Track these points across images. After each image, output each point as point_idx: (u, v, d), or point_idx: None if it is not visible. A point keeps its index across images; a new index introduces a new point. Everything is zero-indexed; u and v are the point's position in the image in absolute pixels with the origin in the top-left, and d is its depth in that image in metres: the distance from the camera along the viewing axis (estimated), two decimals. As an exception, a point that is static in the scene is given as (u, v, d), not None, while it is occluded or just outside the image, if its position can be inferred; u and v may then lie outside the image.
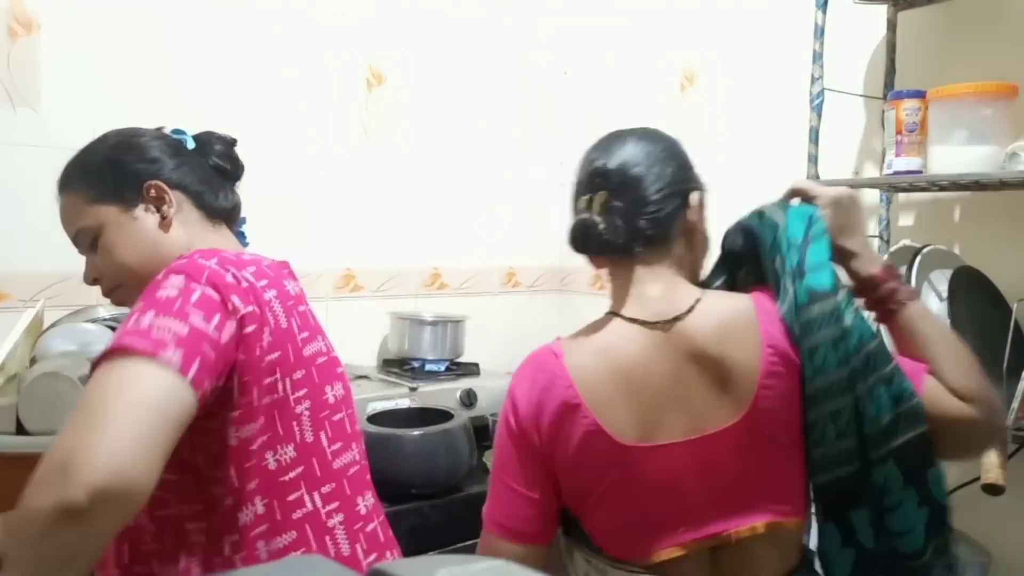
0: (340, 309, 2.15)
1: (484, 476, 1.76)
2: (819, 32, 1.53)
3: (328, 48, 2.12)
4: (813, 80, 1.53)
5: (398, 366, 2.11)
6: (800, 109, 1.61)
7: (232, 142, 1.15)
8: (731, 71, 2.07)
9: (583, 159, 1.06)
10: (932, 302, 1.42)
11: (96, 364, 0.79)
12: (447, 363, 2.13)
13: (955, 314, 1.36)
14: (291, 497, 0.92)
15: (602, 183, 1.01)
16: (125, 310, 1.65)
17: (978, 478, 1.24)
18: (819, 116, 1.53)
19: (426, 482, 1.61)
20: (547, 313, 2.56)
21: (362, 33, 2.18)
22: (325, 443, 0.97)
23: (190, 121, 1.89)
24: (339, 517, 0.97)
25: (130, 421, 0.73)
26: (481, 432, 1.89)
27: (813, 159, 1.55)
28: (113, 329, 1.55)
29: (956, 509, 1.55)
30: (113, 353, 0.78)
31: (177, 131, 1.12)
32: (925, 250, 1.43)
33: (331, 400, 1.00)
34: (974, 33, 1.54)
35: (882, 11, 1.63)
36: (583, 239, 1.03)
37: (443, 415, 1.74)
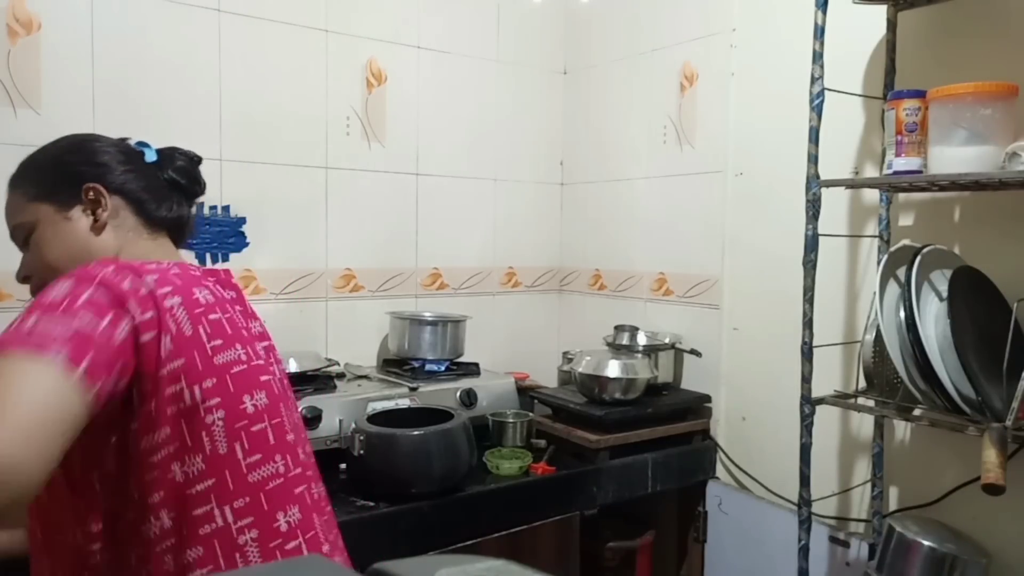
0: (340, 309, 2.16)
1: (484, 476, 1.77)
2: (819, 32, 1.53)
3: (328, 48, 2.12)
4: (813, 80, 1.53)
5: (398, 366, 2.11)
6: (800, 109, 1.61)
7: (196, 160, 1.16)
8: (731, 71, 2.07)
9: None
10: (932, 302, 1.43)
11: None
12: (447, 363, 2.13)
13: (955, 314, 1.36)
14: (198, 511, 0.89)
15: None
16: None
17: (978, 478, 1.24)
18: (819, 116, 1.53)
19: (426, 482, 1.61)
20: (547, 313, 2.56)
21: (362, 33, 2.18)
22: (240, 455, 0.94)
23: (190, 121, 1.90)
24: (252, 533, 0.93)
25: (14, 414, 0.73)
26: (481, 432, 1.89)
27: (813, 159, 1.55)
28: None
29: (956, 509, 1.56)
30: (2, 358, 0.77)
31: (141, 144, 1.13)
32: (925, 250, 1.43)
33: (250, 410, 0.96)
34: (974, 33, 1.54)
35: (882, 11, 1.63)
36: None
37: (443, 415, 1.74)
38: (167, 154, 1.14)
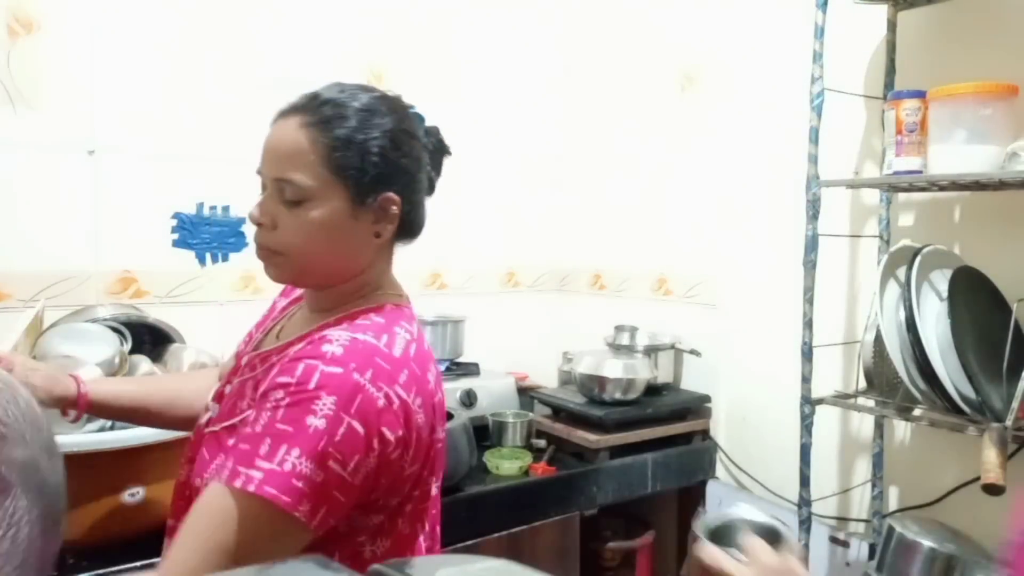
0: (340, 309, 2.15)
1: (484, 476, 1.77)
2: (819, 32, 1.53)
3: (328, 48, 2.12)
4: (813, 80, 1.53)
5: (398, 366, 2.11)
6: (800, 109, 1.61)
7: (447, 152, 1.07)
8: (731, 71, 2.07)
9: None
10: (932, 302, 1.42)
11: (230, 477, 0.78)
12: (447, 363, 2.13)
13: (955, 314, 1.36)
14: None
15: None
16: (125, 311, 1.66)
17: (978, 478, 1.24)
18: (819, 116, 1.53)
19: (426, 482, 1.61)
20: (547, 313, 2.56)
21: (362, 33, 2.18)
22: (422, 538, 0.97)
23: (190, 121, 1.90)
24: None
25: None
26: (481, 432, 1.89)
27: (813, 159, 1.55)
28: (114, 330, 1.55)
29: (956, 509, 1.56)
30: (251, 495, 0.77)
31: (420, 118, 1.02)
32: (925, 250, 1.43)
33: (433, 492, 0.98)
34: (974, 33, 1.54)
35: (882, 11, 1.63)
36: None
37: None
38: (431, 134, 1.03)
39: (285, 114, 0.92)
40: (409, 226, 0.99)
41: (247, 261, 2.00)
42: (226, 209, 1.96)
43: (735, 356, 2.09)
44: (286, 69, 2.06)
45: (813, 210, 1.55)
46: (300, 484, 0.77)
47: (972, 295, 1.41)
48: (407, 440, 0.86)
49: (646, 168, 2.33)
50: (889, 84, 1.63)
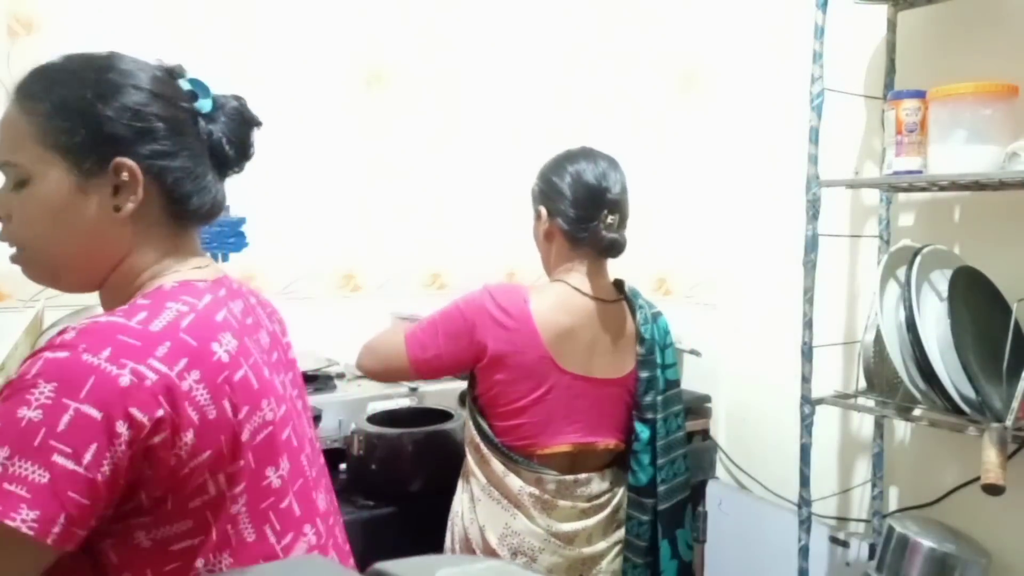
0: (340, 309, 2.15)
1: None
2: (819, 32, 1.53)
3: (328, 48, 2.12)
4: (813, 80, 1.53)
5: (398, 366, 2.11)
6: (800, 109, 1.61)
7: (254, 123, 0.91)
8: (731, 71, 2.07)
9: (581, 178, 1.43)
10: (932, 302, 1.43)
11: None
12: (447, 363, 2.13)
13: (955, 314, 1.36)
14: None
15: (614, 207, 1.43)
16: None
17: (978, 478, 1.24)
18: (819, 116, 1.53)
19: (426, 482, 1.61)
20: (547, 313, 2.56)
21: (362, 33, 2.18)
22: (273, 539, 0.81)
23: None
24: None
25: None
26: (481, 432, 1.89)
27: (813, 159, 1.55)
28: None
29: (956, 509, 1.56)
30: None
31: (196, 83, 0.87)
32: (925, 250, 1.43)
33: (275, 484, 0.82)
34: (974, 33, 1.54)
35: (882, 11, 1.63)
36: (617, 251, 1.43)
37: (443, 415, 1.74)
38: (221, 106, 0.88)
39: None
40: (178, 199, 0.84)
41: (247, 261, 2.00)
42: (226, 209, 1.95)
43: (735, 356, 2.09)
44: (286, 69, 2.06)
45: (813, 210, 1.55)
46: (14, 488, 0.63)
47: (972, 295, 1.41)
48: (175, 422, 0.71)
49: (646, 168, 2.33)
50: (889, 84, 1.63)
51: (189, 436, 0.72)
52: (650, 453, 1.45)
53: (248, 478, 0.78)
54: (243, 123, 0.90)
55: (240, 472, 0.77)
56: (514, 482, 1.37)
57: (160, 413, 0.70)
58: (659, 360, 1.47)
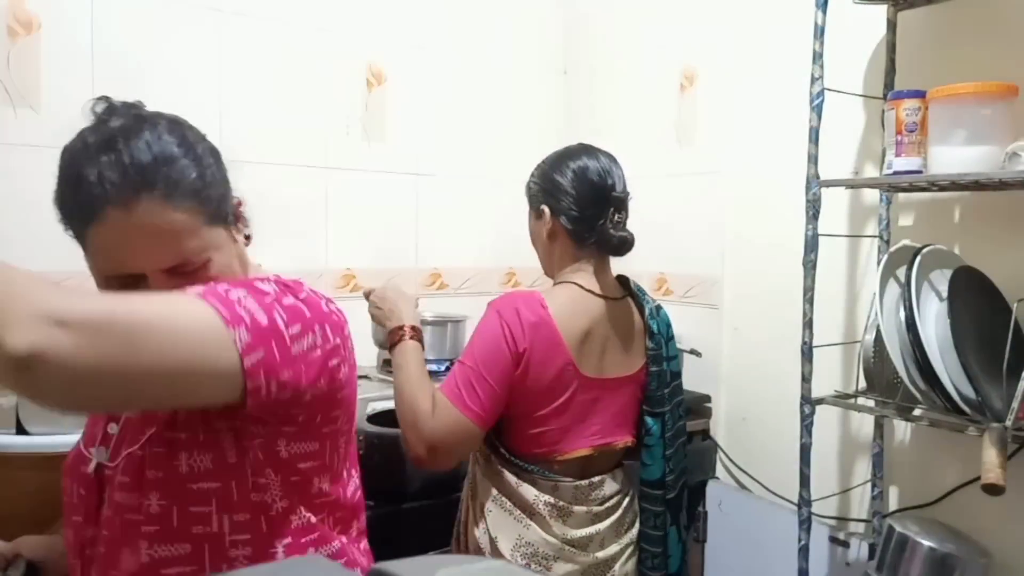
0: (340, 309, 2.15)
1: (484, 476, 1.77)
2: (819, 32, 1.53)
3: (328, 48, 2.12)
4: (813, 80, 1.53)
5: (398, 366, 2.11)
6: (800, 109, 1.61)
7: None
8: (731, 71, 2.07)
9: (585, 175, 1.39)
10: (932, 302, 1.43)
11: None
12: (447, 363, 2.13)
13: (955, 314, 1.36)
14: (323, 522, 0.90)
15: (620, 204, 1.42)
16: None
17: (978, 478, 1.24)
18: (819, 116, 1.53)
19: (426, 482, 1.61)
20: (547, 313, 2.56)
21: (362, 33, 2.18)
22: (346, 477, 0.95)
23: (187, 120, 1.90)
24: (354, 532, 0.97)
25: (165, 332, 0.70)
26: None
27: (813, 159, 1.55)
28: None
29: (956, 509, 1.56)
30: (197, 301, 0.75)
31: None
32: (925, 250, 1.43)
33: (351, 432, 0.97)
34: (974, 33, 1.54)
35: (882, 11, 1.63)
36: (627, 249, 1.42)
37: (443, 415, 1.74)
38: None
39: (127, 203, 0.79)
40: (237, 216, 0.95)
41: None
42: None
43: (735, 356, 2.09)
44: (286, 69, 2.06)
45: (813, 210, 1.55)
46: (242, 312, 0.75)
47: (972, 295, 1.41)
48: (343, 353, 0.87)
49: (645, 168, 2.33)
50: (889, 84, 1.63)
51: (346, 369, 0.88)
52: (662, 446, 1.44)
53: (348, 422, 0.93)
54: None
55: (350, 415, 0.92)
56: (528, 491, 1.33)
57: (337, 341, 0.86)
58: (665, 353, 1.45)
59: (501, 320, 1.29)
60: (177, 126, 0.86)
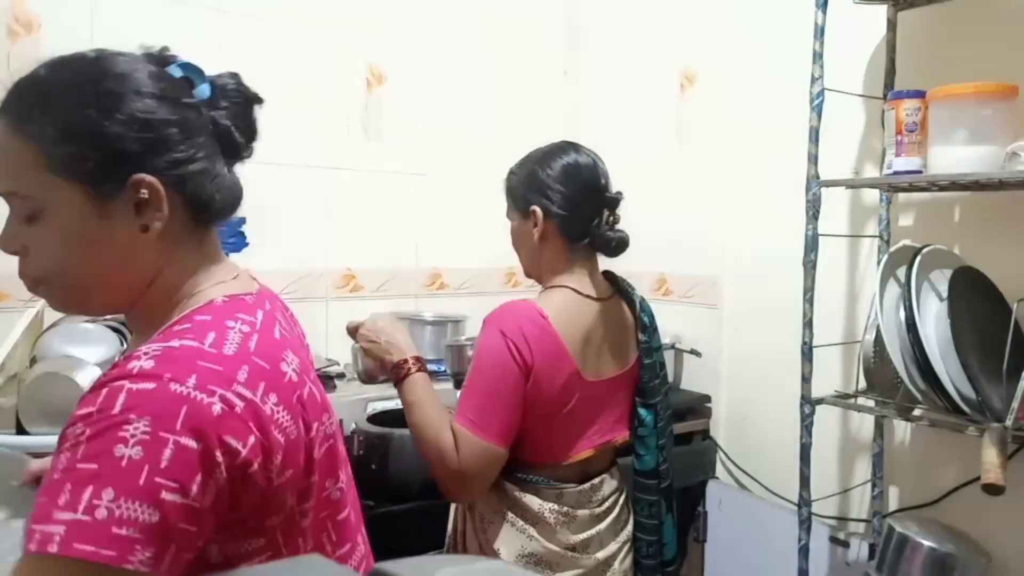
0: (340, 309, 2.15)
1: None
2: (819, 32, 1.53)
3: (328, 48, 2.12)
4: (813, 80, 1.53)
5: (398, 366, 2.11)
6: (800, 109, 1.61)
7: (256, 101, 0.85)
8: (731, 71, 2.07)
9: (578, 174, 1.35)
10: (932, 302, 1.43)
11: (27, 541, 0.60)
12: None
13: (955, 314, 1.36)
14: None
15: (613, 203, 1.38)
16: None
17: (978, 478, 1.24)
18: (819, 116, 1.53)
19: (426, 482, 1.60)
20: (547, 313, 2.56)
21: (362, 33, 2.18)
22: (329, 549, 0.82)
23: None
24: None
25: None
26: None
27: (813, 159, 1.55)
28: (114, 330, 1.55)
29: (956, 509, 1.56)
30: (57, 557, 0.59)
31: (188, 67, 0.80)
32: (925, 250, 1.43)
33: (335, 496, 0.83)
34: (974, 33, 1.54)
35: (882, 11, 1.63)
36: (623, 249, 1.39)
37: (443, 415, 1.74)
38: (221, 88, 0.81)
39: None
40: (202, 203, 0.79)
41: (248, 261, 2.00)
42: (226, 209, 1.96)
43: (735, 356, 2.09)
44: (287, 68, 2.06)
45: (813, 210, 1.55)
46: (125, 531, 0.61)
47: (972, 295, 1.41)
48: (266, 446, 0.70)
49: (645, 168, 2.33)
50: (889, 84, 1.63)
51: (278, 459, 0.72)
52: (655, 436, 1.44)
53: (316, 493, 0.78)
54: (246, 103, 0.83)
55: (311, 487, 0.77)
56: (532, 501, 1.31)
57: (252, 440, 0.69)
58: (654, 344, 1.45)
59: (505, 338, 1.25)
60: (94, 70, 0.76)
